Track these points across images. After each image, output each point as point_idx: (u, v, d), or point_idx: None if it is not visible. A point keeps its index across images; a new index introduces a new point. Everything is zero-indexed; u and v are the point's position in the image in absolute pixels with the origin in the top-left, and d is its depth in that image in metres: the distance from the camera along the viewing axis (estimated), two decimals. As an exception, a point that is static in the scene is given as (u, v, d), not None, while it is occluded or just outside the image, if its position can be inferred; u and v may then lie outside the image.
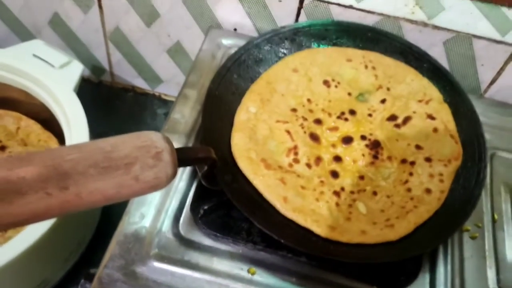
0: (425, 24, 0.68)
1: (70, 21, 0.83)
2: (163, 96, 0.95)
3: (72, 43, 0.87)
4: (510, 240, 0.58)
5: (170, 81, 0.90)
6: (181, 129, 0.63)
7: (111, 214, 0.76)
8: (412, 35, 0.70)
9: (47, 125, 0.77)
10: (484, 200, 0.62)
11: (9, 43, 0.76)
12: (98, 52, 0.87)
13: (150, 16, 0.78)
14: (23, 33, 0.88)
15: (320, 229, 0.52)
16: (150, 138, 0.43)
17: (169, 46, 0.83)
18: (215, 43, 0.73)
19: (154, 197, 0.56)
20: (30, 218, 0.38)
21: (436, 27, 0.68)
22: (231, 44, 0.73)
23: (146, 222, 0.54)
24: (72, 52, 0.89)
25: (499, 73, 0.72)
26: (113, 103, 0.91)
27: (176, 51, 0.83)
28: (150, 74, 0.89)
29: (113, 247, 0.52)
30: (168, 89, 0.93)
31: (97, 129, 0.70)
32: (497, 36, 0.67)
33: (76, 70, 0.71)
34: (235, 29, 0.77)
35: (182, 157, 0.45)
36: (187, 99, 0.66)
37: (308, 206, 0.54)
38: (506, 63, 0.71)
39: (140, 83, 0.92)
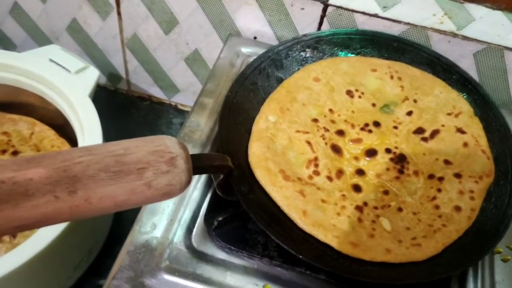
0: (454, 35, 0.66)
1: (88, 27, 0.82)
2: (179, 106, 0.93)
3: (89, 50, 0.86)
4: (546, 265, 0.54)
5: (186, 90, 0.89)
6: (197, 137, 0.61)
7: (123, 220, 0.74)
8: (440, 46, 0.67)
9: (62, 131, 0.76)
10: (517, 222, 0.58)
11: (27, 49, 0.75)
12: (115, 59, 0.86)
13: (169, 24, 0.77)
14: (41, 39, 0.88)
15: (341, 246, 0.49)
16: (164, 142, 0.41)
17: (187, 55, 0.81)
18: (234, 51, 0.71)
19: (167, 206, 0.54)
20: (38, 222, 0.36)
21: (465, 38, 0.65)
22: (250, 52, 0.71)
23: (158, 232, 0.52)
24: (89, 59, 0.88)
25: (531, 87, 0.69)
26: (128, 111, 0.90)
27: (194, 60, 0.81)
28: (166, 82, 0.87)
29: (122, 258, 0.50)
30: (184, 99, 0.91)
31: (111, 137, 0.68)
32: None
33: (92, 75, 0.70)
34: (255, 37, 0.75)
35: (197, 164, 0.43)
36: (203, 107, 0.64)
37: (328, 220, 0.51)
38: (539, 77, 0.68)
39: (156, 92, 0.91)
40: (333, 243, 0.49)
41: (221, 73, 0.68)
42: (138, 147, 0.40)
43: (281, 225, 0.50)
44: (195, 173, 0.43)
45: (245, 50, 0.71)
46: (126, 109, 0.90)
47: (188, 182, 0.42)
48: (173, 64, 0.84)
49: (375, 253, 0.49)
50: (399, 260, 0.49)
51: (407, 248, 0.50)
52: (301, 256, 0.47)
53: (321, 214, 0.51)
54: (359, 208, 0.52)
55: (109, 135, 0.67)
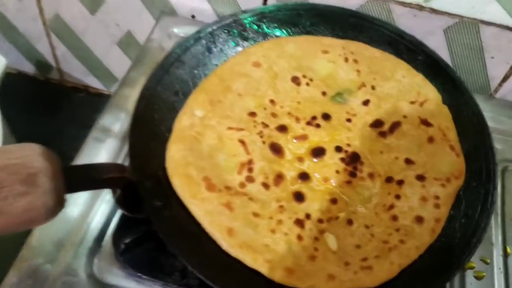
0: (420, 8, 0.58)
1: (4, 8, 0.72)
2: (120, 97, 0.83)
3: (9, 34, 0.76)
4: (528, 282, 0.47)
5: (126, 79, 0.78)
6: (113, 137, 0.51)
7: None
8: (405, 21, 0.59)
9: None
10: (494, 229, 0.51)
11: None
12: (40, 45, 0.76)
13: (93, 2, 0.67)
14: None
15: (273, 273, 0.41)
16: (23, 154, 0.32)
17: (119, 37, 0.71)
18: (166, 32, 0.62)
19: (65, 223, 0.45)
20: None
21: (434, 11, 0.58)
22: (185, 33, 0.61)
23: (51, 258, 0.43)
24: (11, 45, 0.77)
25: (513, 68, 0.62)
26: (60, 104, 0.80)
27: (128, 44, 0.71)
28: (102, 71, 0.78)
29: (1, 294, 0.40)
30: (126, 89, 0.81)
31: (38, 135, 0.60)
32: (510, 22, 0.57)
33: (-3, 65, 0.59)
34: (192, 16, 0.65)
35: (75, 180, 0.34)
36: (124, 100, 0.54)
37: (260, 240, 0.42)
38: (521, 56, 0.60)
39: (92, 81, 0.81)
40: (263, 269, 0.41)
41: (148, 59, 0.59)
42: (-16, 162, 0.31)
43: (201, 248, 0.41)
44: (71, 191, 0.34)
45: (178, 30, 0.62)
46: (57, 102, 0.80)
47: (58, 205, 0.33)
48: (106, 50, 0.74)
49: (315, 280, 0.41)
50: (345, 289, 0.40)
51: (355, 272, 0.41)
52: (221, 288, 0.38)
53: (252, 233, 0.42)
54: (299, 222, 0.43)
55: (34, 133, 0.58)
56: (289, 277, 0.40)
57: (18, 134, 0.62)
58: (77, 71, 0.79)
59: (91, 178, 0.36)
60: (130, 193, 0.40)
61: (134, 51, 0.73)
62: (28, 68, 0.80)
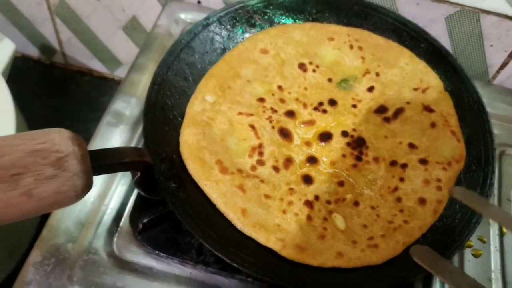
0: (423, -4, 0.57)
1: (9, -8, 0.72)
2: (124, 81, 0.84)
3: (14, 19, 0.76)
4: (522, 259, 0.49)
5: (130, 63, 0.79)
6: (125, 121, 0.53)
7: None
8: (408, 9, 0.60)
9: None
10: (491, 209, 0.51)
11: None
12: (44, 29, 0.76)
13: (100, -13, 0.67)
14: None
15: (285, 250, 0.42)
16: (50, 138, 0.34)
17: (124, 22, 0.71)
18: (172, 18, 0.62)
19: (85, 205, 0.46)
20: None
21: (436, 0, 0.57)
22: (192, 19, 0.62)
23: (72, 238, 0.45)
24: (16, 29, 0.77)
25: (511, 55, 0.62)
26: (67, 88, 0.80)
27: (133, 28, 0.72)
28: (106, 55, 0.78)
29: (25, 272, 0.42)
30: (129, 73, 0.81)
31: (48, 117, 0.61)
32: (509, 11, 0.58)
33: (6, 50, 0.60)
34: (199, 1, 0.66)
35: (99, 163, 0.36)
36: (134, 85, 0.55)
37: (272, 220, 0.44)
38: (519, 44, 0.61)
39: (96, 65, 0.81)
40: (276, 247, 0.42)
41: (156, 45, 0.59)
42: (12, 147, 0.32)
43: (216, 228, 0.43)
44: (97, 173, 0.35)
45: (185, 16, 0.62)
46: (64, 86, 0.80)
47: (88, 186, 0.34)
48: (110, 34, 0.74)
49: (325, 257, 0.42)
50: (352, 265, 0.43)
51: (363, 250, 0.43)
52: (236, 265, 0.40)
53: (264, 213, 0.44)
54: (309, 204, 0.45)
55: (45, 115, 0.59)
56: (301, 254, 0.42)
57: (28, 118, 0.63)
58: (81, 55, 0.79)
59: (114, 161, 0.37)
60: (147, 175, 0.41)
61: (139, 36, 0.73)
62: (32, 51, 0.80)
